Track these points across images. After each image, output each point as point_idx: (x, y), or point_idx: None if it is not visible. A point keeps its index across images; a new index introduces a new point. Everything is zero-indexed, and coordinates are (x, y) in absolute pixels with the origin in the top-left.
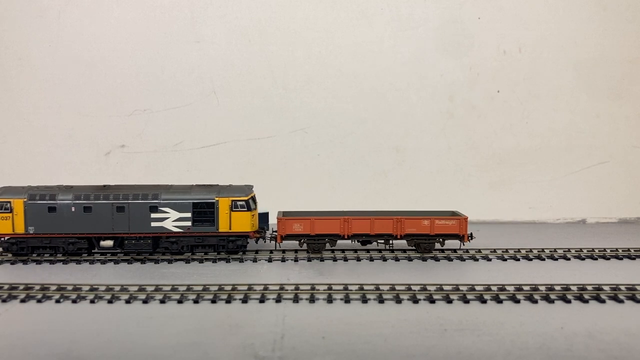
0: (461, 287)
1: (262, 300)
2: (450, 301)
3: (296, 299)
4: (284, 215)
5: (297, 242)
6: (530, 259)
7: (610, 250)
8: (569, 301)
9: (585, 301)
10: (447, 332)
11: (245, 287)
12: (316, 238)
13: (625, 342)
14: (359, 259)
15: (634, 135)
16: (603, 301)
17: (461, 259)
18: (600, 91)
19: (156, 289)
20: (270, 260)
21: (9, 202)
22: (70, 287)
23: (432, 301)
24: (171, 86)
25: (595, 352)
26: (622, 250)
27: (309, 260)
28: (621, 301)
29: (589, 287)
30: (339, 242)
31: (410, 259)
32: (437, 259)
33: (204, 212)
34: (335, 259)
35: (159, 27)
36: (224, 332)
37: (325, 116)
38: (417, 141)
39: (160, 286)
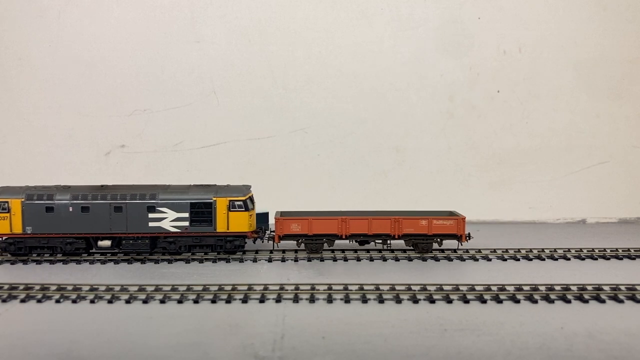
0: (461, 287)
1: (262, 300)
2: (450, 301)
3: (296, 299)
4: (282, 216)
5: (295, 242)
6: (530, 259)
7: (610, 250)
8: (569, 301)
9: (585, 301)
10: (447, 332)
11: (245, 287)
12: (314, 238)
13: (625, 342)
14: (359, 259)
15: (634, 135)
16: (603, 301)
17: (461, 259)
18: (600, 91)
19: (156, 289)
20: (270, 260)
21: (7, 202)
22: (70, 287)
23: (432, 301)
24: (171, 86)
25: (595, 352)
26: (622, 250)
27: (309, 260)
28: (621, 301)
29: (589, 287)
30: (337, 242)
31: (410, 259)
32: (437, 259)
33: (201, 212)
34: (335, 259)
35: (159, 27)
36: (224, 332)
37: (325, 116)
38: (417, 141)
39: (160, 286)
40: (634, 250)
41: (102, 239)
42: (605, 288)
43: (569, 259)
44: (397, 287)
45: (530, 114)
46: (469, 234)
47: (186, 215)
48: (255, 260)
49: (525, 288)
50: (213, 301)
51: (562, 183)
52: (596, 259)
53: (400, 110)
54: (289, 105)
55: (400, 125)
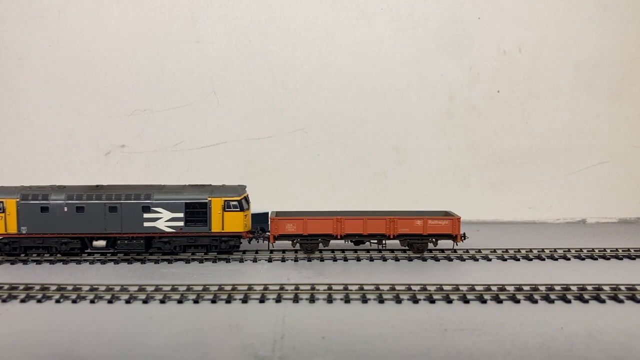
0: (461, 287)
1: (262, 300)
2: (450, 301)
3: (296, 299)
4: (277, 216)
5: (290, 242)
6: (530, 259)
7: (610, 250)
8: (569, 301)
9: (585, 301)
10: (447, 332)
11: (245, 287)
12: (309, 238)
13: (625, 342)
14: (359, 259)
15: (634, 135)
16: (603, 301)
17: (461, 259)
18: (600, 91)
19: (156, 289)
20: (270, 260)
21: (2, 202)
22: (70, 287)
23: (432, 301)
24: (171, 86)
25: (595, 352)
26: (622, 250)
27: (309, 260)
28: (621, 301)
29: (589, 287)
30: (333, 242)
31: (410, 259)
32: (437, 259)
33: (196, 212)
34: (335, 259)
35: (159, 27)
36: (224, 332)
37: (325, 116)
38: (417, 141)
39: (160, 286)
40: (634, 250)
41: (97, 239)
42: (605, 288)
43: (569, 259)
44: (397, 287)
45: (530, 114)
46: (464, 234)
47: (181, 215)
48: (255, 260)
49: (525, 288)
50: (213, 301)
51: (562, 183)
52: (596, 259)
53: (400, 110)
54: (289, 105)
55: (400, 125)
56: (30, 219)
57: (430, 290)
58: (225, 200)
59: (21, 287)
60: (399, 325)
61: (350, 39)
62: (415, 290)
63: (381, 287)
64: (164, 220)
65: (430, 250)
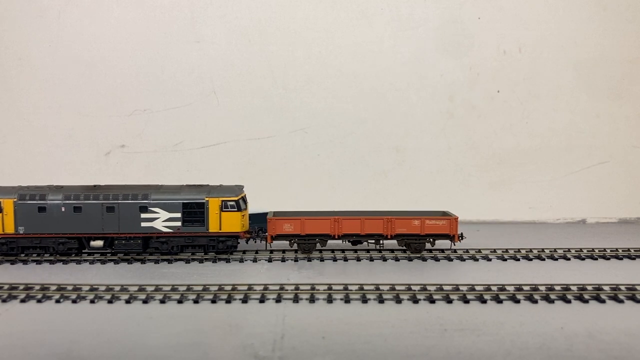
0: (461, 287)
1: (262, 300)
2: (450, 301)
3: (296, 299)
4: (275, 215)
5: (288, 242)
6: (530, 259)
7: (610, 250)
8: (569, 301)
9: (585, 301)
10: (447, 332)
11: (245, 287)
12: (306, 238)
13: (625, 342)
14: (359, 259)
15: (634, 135)
16: (603, 301)
17: (461, 259)
18: (600, 91)
19: (156, 289)
20: (270, 260)
21: None
22: (70, 287)
23: (432, 301)
24: (171, 86)
25: (595, 352)
26: (622, 250)
27: (309, 260)
28: (621, 301)
29: (589, 287)
30: (330, 242)
31: (410, 259)
32: (437, 259)
33: (194, 212)
34: (335, 259)
35: (159, 27)
36: (224, 332)
37: (325, 116)
38: (417, 141)
39: (160, 286)
40: (634, 250)
41: (95, 239)
42: (605, 288)
43: (569, 259)
44: (397, 287)
45: (530, 114)
46: (461, 233)
47: (178, 215)
48: (255, 260)
49: (525, 288)
50: (213, 301)
51: (562, 183)
52: (596, 259)
53: (400, 110)
54: (289, 105)
55: (400, 125)
56: (28, 219)
57: (430, 290)
58: (222, 200)
59: (21, 287)
60: (399, 325)
61: (350, 39)
62: (415, 290)
63: (381, 287)
64: (162, 221)
65: (430, 250)
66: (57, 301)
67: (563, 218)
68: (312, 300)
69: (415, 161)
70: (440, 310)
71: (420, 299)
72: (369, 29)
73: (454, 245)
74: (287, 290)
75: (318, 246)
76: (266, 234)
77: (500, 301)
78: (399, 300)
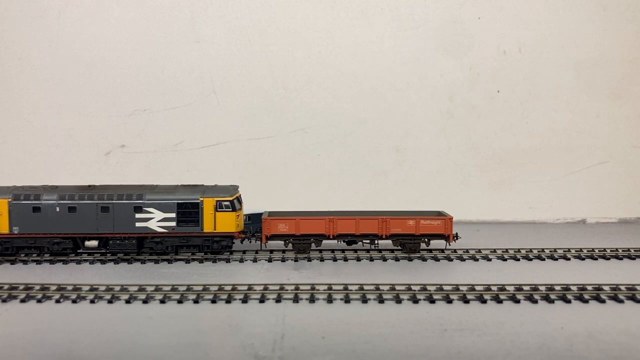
0: (461, 287)
1: (262, 300)
2: (450, 301)
3: (296, 299)
4: (270, 216)
5: (282, 242)
6: (530, 259)
7: (610, 250)
8: (569, 301)
9: (585, 301)
10: (447, 332)
11: (245, 287)
12: (301, 238)
13: (625, 342)
14: (359, 259)
15: (634, 135)
16: (603, 301)
17: (461, 259)
18: (600, 91)
19: (156, 289)
20: (270, 260)
21: None
22: (70, 287)
23: (432, 301)
24: (171, 86)
25: (595, 352)
26: (622, 250)
27: (309, 260)
28: (621, 301)
29: (589, 287)
30: (325, 242)
31: (410, 259)
32: (437, 259)
33: (188, 213)
34: (335, 259)
35: (159, 27)
36: (224, 332)
37: (325, 116)
38: (417, 141)
39: (160, 286)
40: (634, 250)
41: (89, 239)
42: (605, 288)
43: (569, 259)
44: (397, 287)
45: (530, 114)
46: (456, 233)
47: (173, 215)
48: (255, 260)
49: (525, 288)
50: (213, 301)
51: (562, 183)
52: (596, 259)
53: (400, 110)
54: (289, 105)
55: (400, 125)
56: (23, 219)
57: (430, 290)
58: (217, 201)
59: (21, 287)
60: (399, 325)
61: (350, 39)
62: (415, 290)
63: (381, 287)
64: (156, 221)
65: (430, 250)
66: (57, 301)
67: (563, 218)
68: (312, 300)
69: (415, 161)
70: (440, 310)
71: (420, 299)
72: (369, 29)
73: (449, 245)
74: (287, 290)
75: (313, 246)
76: (260, 234)
77: (500, 301)
78: (399, 300)
